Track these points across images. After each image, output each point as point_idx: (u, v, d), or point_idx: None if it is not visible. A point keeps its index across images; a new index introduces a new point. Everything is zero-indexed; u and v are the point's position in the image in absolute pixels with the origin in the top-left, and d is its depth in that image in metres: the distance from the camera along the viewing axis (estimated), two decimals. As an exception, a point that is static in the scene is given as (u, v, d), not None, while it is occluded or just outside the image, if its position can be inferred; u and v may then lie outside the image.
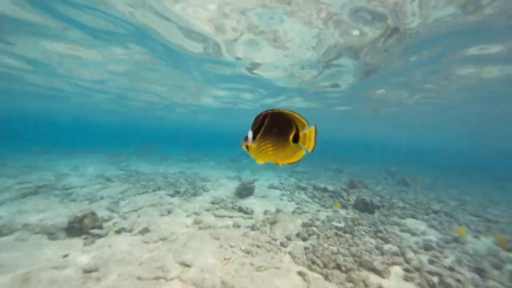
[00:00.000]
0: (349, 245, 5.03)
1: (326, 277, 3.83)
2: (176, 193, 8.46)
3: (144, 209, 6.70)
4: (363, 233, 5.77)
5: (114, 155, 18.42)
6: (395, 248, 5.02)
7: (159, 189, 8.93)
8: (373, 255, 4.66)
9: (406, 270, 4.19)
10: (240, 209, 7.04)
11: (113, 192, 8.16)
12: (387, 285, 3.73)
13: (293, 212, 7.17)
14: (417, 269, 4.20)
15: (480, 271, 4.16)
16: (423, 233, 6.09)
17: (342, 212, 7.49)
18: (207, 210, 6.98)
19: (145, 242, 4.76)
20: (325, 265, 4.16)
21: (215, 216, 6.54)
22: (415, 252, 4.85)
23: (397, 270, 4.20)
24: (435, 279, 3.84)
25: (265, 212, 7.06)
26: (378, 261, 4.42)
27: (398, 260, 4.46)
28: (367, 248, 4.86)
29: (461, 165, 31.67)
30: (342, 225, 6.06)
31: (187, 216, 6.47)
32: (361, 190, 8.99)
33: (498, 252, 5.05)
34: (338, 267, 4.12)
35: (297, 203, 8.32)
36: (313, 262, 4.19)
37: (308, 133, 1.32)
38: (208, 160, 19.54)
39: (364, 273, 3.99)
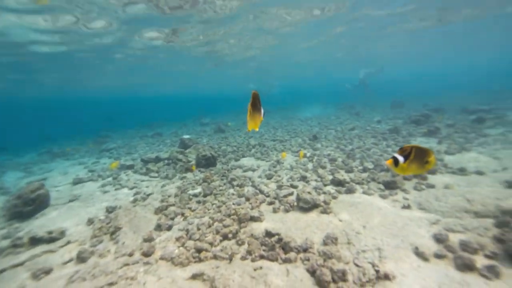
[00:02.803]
0: (218, 207, 4.63)
1: (221, 257, 3.17)
2: None
3: None
4: (221, 188, 5.61)
5: None
6: (252, 189, 5.38)
7: None
8: (242, 204, 4.64)
9: (270, 203, 4.61)
10: (33, 241, 4.01)
11: None
12: (265, 225, 3.83)
13: (135, 201, 5.35)
14: (275, 198, 4.76)
15: (304, 178, 5.58)
16: (258, 166, 7.16)
17: (190, 176, 6.83)
18: None
19: None
20: (212, 244, 3.44)
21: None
22: (265, 184, 5.50)
23: (265, 208, 4.49)
24: (291, 199, 4.55)
25: (90, 222, 4.63)
26: (249, 208, 4.46)
27: (261, 197, 4.78)
28: (234, 201, 4.74)
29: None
30: (199, 190, 5.44)
31: None
32: (197, 147, 8.71)
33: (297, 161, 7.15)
34: (225, 237, 3.59)
35: (132, 188, 6.37)
36: (199, 250, 3.29)
37: (432, 159, 2.25)
38: None
39: (248, 228, 3.82)
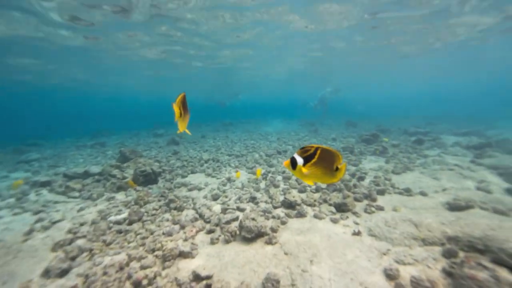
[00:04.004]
0: (142, 238, 3.70)
1: (123, 319, 2.29)
2: None
3: None
4: (155, 211, 4.66)
5: None
6: (191, 213, 4.56)
7: None
8: (174, 234, 3.79)
9: (209, 231, 3.86)
10: None
11: None
12: (197, 264, 3.08)
13: (30, 232, 4.04)
14: (217, 225, 4.04)
15: (253, 199, 4.99)
16: (206, 184, 6.37)
17: (120, 196, 5.68)
18: None
19: None
20: (116, 298, 2.53)
21: None
22: (208, 207, 4.74)
23: (202, 238, 3.72)
24: (233, 226, 3.88)
25: None
26: (182, 239, 3.65)
27: (200, 224, 4.01)
28: (165, 230, 3.86)
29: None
30: (124, 215, 4.41)
31: None
32: (137, 161, 7.53)
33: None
34: (136, 285, 2.71)
35: (37, 212, 4.96)
36: (92, 310, 2.35)
37: (342, 166, 1.86)
38: None
39: (173, 268, 3.00)
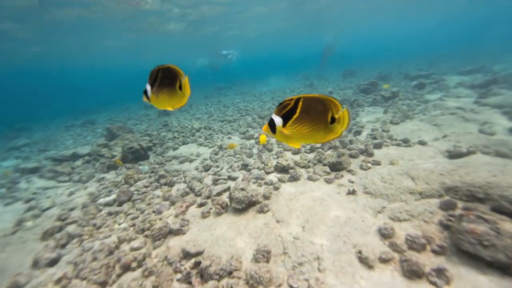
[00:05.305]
0: (132, 219, 3.62)
1: (113, 304, 2.26)
2: None
3: None
4: (145, 189, 4.53)
5: None
6: (182, 187, 4.43)
7: None
8: (164, 211, 3.70)
9: (200, 205, 3.76)
10: None
11: None
12: (188, 239, 3.01)
13: (19, 223, 3.98)
14: (208, 197, 3.92)
15: (245, 166, 4.80)
16: (198, 155, 6.17)
17: (111, 176, 5.54)
18: None
19: None
20: (105, 284, 2.50)
21: None
22: (199, 179, 4.59)
23: (193, 212, 3.63)
24: (225, 198, 3.76)
25: None
26: (172, 216, 3.56)
27: (190, 199, 3.89)
28: (155, 208, 3.76)
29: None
30: (112, 196, 4.29)
31: None
32: (124, 138, 7.23)
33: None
34: (125, 268, 2.66)
35: (28, 200, 4.89)
36: (81, 298, 2.33)
37: (342, 114, 1.41)
38: None
39: (163, 247, 2.94)
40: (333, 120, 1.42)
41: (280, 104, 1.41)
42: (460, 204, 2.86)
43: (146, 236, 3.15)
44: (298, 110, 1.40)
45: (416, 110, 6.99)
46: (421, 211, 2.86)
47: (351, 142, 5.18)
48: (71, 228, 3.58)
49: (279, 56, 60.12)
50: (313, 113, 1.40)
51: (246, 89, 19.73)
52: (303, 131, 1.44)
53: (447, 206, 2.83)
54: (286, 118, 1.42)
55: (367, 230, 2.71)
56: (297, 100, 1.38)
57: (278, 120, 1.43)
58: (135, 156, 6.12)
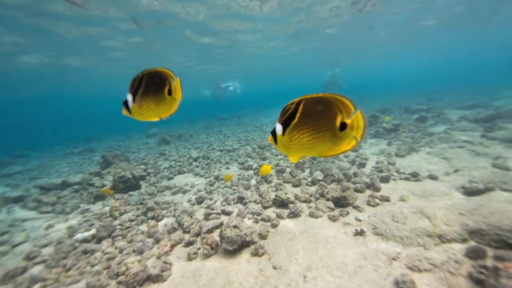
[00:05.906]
0: (108, 260, 3.15)
1: None
2: None
3: None
4: (129, 223, 4.10)
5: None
6: (171, 222, 4.01)
7: None
8: (146, 251, 3.24)
9: (188, 244, 3.31)
10: None
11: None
12: (169, 287, 2.53)
13: (-18, 261, 3.51)
14: (197, 234, 3.49)
15: (241, 199, 4.41)
16: (192, 185, 5.81)
17: (96, 207, 5.14)
18: None
19: None
20: None
21: None
22: (190, 213, 4.17)
23: (179, 253, 3.17)
24: (216, 236, 3.32)
25: None
26: (154, 257, 3.10)
27: (177, 236, 3.45)
28: (136, 246, 3.31)
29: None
30: (91, 232, 3.86)
31: None
32: (118, 166, 6.96)
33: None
34: (87, 326, 2.16)
35: (2, 234, 4.43)
36: None
37: (355, 118, 1.08)
38: None
39: (137, 298, 2.45)
40: (343, 126, 1.11)
41: (283, 109, 1.16)
42: (490, 251, 2.42)
43: (119, 282, 2.67)
44: (298, 115, 1.13)
45: (422, 142, 6.75)
46: (444, 260, 2.41)
47: (355, 174, 4.84)
48: (36, 270, 3.11)
49: (282, 87, 62.51)
50: (316, 118, 1.12)
51: (248, 120, 19.99)
52: (303, 139, 1.16)
53: (475, 254, 2.39)
54: (286, 125, 1.18)
55: (381, 283, 2.25)
56: (299, 103, 1.11)
57: (278, 128, 1.20)
58: (126, 185, 5.77)
